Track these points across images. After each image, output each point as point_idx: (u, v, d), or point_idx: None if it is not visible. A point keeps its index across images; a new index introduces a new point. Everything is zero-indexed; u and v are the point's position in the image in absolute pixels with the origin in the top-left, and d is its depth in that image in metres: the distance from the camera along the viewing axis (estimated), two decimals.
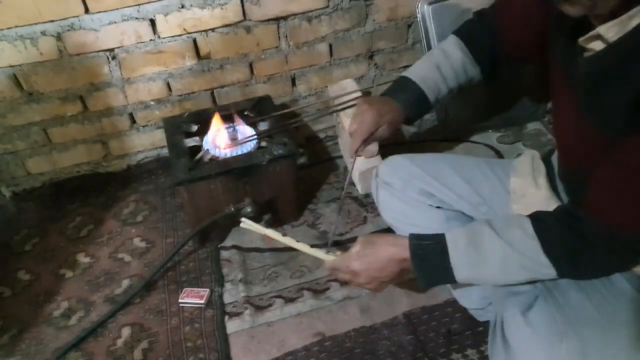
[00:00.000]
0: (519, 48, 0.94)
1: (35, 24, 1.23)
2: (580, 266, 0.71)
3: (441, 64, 1.00)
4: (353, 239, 1.24)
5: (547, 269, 0.71)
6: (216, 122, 1.27)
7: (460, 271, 0.76)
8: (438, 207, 1.00)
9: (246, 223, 0.99)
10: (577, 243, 0.69)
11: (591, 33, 0.65)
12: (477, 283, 0.80)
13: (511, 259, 0.73)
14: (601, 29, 0.63)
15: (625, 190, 0.64)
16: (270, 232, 0.96)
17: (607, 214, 0.66)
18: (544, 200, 0.87)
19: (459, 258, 0.76)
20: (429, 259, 0.78)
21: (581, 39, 0.67)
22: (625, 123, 0.61)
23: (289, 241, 0.97)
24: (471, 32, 1.01)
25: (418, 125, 1.61)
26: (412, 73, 1.02)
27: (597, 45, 0.65)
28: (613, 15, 0.62)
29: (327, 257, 0.92)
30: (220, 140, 1.26)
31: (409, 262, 0.79)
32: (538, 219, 0.73)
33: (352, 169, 1.12)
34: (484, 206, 0.98)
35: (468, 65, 1.00)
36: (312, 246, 0.96)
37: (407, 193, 1.01)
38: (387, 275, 0.83)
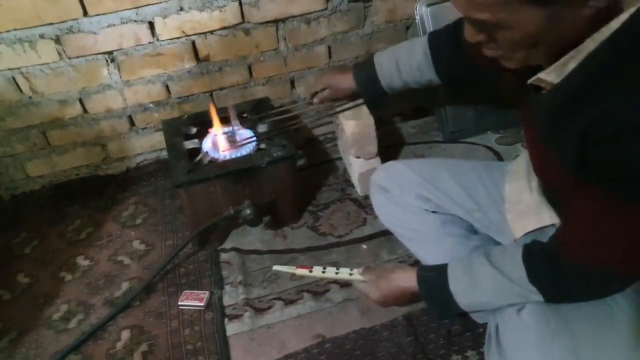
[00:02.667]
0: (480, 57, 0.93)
1: (34, 27, 1.23)
2: (564, 295, 0.74)
3: (400, 58, 1.06)
4: (353, 240, 1.25)
5: (535, 295, 0.74)
6: (213, 114, 1.27)
7: (460, 298, 0.80)
8: (434, 212, 1.01)
9: (277, 267, 1.04)
10: (559, 276, 0.71)
11: (534, 78, 0.66)
12: (479, 308, 0.83)
13: (502, 284, 0.76)
14: (541, 75, 0.65)
15: (593, 233, 0.66)
16: (300, 271, 1.01)
17: (579, 254, 0.68)
18: (535, 205, 0.87)
19: (456, 285, 0.80)
20: (433, 288, 0.83)
21: (529, 80, 0.68)
22: (577, 163, 0.62)
23: (317, 274, 1.00)
24: (440, 37, 1.02)
25: (418, 126, 1.61)
26: (378, 56, 1.10)
27: (545, 85, 0.67)
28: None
29: (352, 278, 0.96)
30: (219, 140, 1.26)
31: (418, 293, 0.85)
32: (528, 250, 0.75)
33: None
34: (479, 212, 0.98)
35: (424, 67, 1.04)
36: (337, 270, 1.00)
37: (404, 198, 1.02)
38: (404, 301, 0.91)
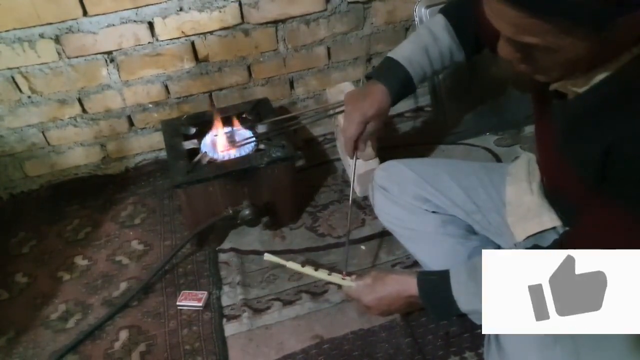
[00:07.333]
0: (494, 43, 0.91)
1: (34, 26, 1.23)
2: None
3: (429, 46, 0.97)
4: (352, 241, 1.25)
5: None
6: (215, 125, 1.27)
7: (463, 303, 0.80)
8: (434, 212, 1.01)
9: (268, 257, 1.04)
10: None
11: (559, 84, 0.66)
12: (480, 312, 0.82)
13: None
14: (567, 84, 0.64)
15: (604, 244, 0.65)
16: (291, 264, 1.02)
17: None
18: (536, 208, 0.87)
19: (459, 290, 0.80)
20: (435, 293, 0.83)
21: (552, 86, 0.67)
22: (597, 176, 0.62)
23: (308, 271, 1.01)
24: (458, 15, 0.96)
25: (417, 127, 1.61)
26: (398, 54, 0.98)
27: (569, 92, 0.66)
28: None
29: (344, 282, 0.96)
30: (218, 142, 1.26)
31: (416, 297, 0.84)
32: None
33: (354, 172, 1.12)
34: (478, 214, 0.98)
35: (455, 50, 0.98)
36: (329, 273, 1.00)
37: (403, 198, 1.02)
38: (396, 308, 0.90)
